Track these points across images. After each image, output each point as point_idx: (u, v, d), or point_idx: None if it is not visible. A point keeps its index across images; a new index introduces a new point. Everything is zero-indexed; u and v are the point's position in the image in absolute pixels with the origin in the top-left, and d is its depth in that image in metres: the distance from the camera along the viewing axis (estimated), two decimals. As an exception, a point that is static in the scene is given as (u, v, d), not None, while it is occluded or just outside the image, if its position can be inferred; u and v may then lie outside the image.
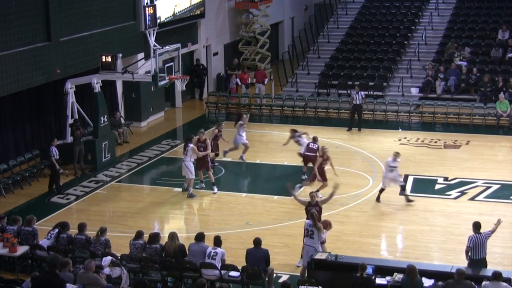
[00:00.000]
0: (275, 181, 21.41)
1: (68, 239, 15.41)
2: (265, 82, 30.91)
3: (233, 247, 16.18)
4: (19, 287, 12.73)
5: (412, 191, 20.33)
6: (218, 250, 14.33)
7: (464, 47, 30.67)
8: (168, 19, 28.21)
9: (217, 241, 14.46)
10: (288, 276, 15.14)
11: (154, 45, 22.33)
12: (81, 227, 15.49)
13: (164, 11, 27.77)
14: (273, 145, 25.03)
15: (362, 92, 26.80)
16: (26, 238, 15.61)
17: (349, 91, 28.94)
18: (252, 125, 27.21)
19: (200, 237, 14.63)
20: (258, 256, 14.22)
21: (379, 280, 13.22)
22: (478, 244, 13.93)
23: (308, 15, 38.92)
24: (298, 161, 21.76)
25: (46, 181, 21.17)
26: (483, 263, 13.97)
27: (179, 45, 23.51)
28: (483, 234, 14.05)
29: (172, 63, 23.21)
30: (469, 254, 13.99)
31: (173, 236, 14.77)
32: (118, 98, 27.08)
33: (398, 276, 13.10)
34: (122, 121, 26.27)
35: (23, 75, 21.23)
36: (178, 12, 29.01)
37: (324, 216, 18.33)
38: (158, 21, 25.58)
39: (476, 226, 14.19)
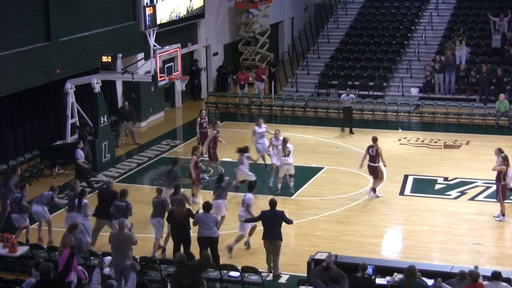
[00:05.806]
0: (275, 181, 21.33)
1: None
2: (264, 79, 30.72)
3: (233, 247, 16.16)
4: (19, 287, 12.73)
5: (412, 191, 20.36)
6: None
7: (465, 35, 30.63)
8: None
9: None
10: (288, 276, 15.13)
11: (154, 45, 22.34)
12: (123, 193, 15.95)
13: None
14: (273, 145, 24.98)
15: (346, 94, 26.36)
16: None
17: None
18: (252, 125, 27.13)
19: (208, 207, 15.13)
20: (274, 220, 14.97)
21: (379, 280, 13.23)
22: None
23: (308, 15, 38.90)
24: (299, 161, 21.69)
25: (46, 181, 21.04)
26: None
27: (179, 45, 23.53)
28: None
29: (172, 63, 23.23)
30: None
31: (180, 201, 15.39)
32: (118, 98, 27.07)
33: (398, 276, 13.10)
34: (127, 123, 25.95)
35: (23, 75, 21.23)
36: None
37: (325, 216, 18.45)
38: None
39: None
